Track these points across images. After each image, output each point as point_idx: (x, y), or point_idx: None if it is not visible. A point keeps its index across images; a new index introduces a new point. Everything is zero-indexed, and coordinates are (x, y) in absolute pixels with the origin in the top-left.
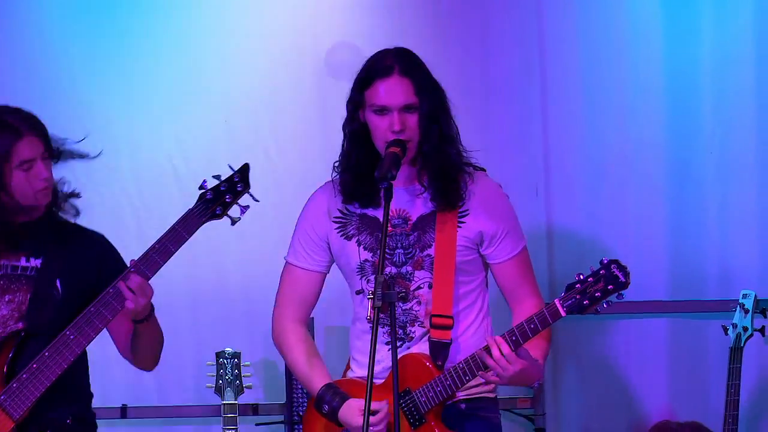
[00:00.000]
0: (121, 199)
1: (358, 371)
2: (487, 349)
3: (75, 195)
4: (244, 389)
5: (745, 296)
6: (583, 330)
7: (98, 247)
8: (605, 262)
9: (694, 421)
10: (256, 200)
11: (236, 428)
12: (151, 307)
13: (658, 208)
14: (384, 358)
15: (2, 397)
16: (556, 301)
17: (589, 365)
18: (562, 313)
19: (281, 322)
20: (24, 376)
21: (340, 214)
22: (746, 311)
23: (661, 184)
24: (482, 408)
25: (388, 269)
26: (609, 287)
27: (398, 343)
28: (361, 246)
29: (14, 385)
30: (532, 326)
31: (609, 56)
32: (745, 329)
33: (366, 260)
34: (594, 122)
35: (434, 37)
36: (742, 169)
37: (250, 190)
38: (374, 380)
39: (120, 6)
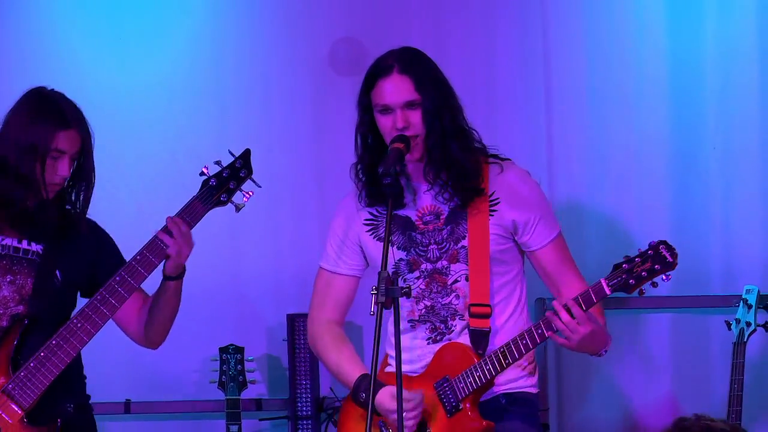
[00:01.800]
0: (123, 193)
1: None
2: (555, 313)
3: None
4: (248, 384)
5: (748, 291)
6: None
7: (93, 234)
8: (653, 243)
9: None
10: (259, 186)
11: (240, 423)
12: (184, 268)
13: (661, 202)
14: (425, 354)
15: (10, 386)
16: (602, 280)
17: (592, 360)
18: (607, 292)
19: (315, 325)
20: (32, 364)
21: (370, 217)
22: (749, 306)
23: (664, 179)
24: (523, 402)
25: (423, 266)
26: (656, 267)
27: (439, 338)
28: (394, 246)
29: (22, 374)
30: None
31: (613, 51)
32: (748, 324)
33: (401, 259)
34: (598, 116)
35: (437, 31)
36: (745, 163)
37: (252, 176)
38: (410, 374)
39: (120, 4)
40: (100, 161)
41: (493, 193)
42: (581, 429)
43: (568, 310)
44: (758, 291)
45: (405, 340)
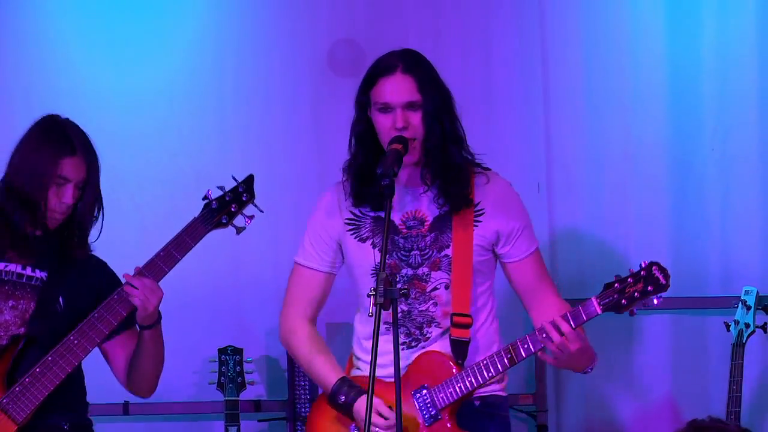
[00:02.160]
0: (124, 200)
1: (367, 371)
2: (543, 331)
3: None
4: (247, 386)
5: (747, 293)
6: (586, 326)
7: (101, 274)
8: (645, 264)
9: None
10: (261, 210)
11: (238, 425)
12: (159, 315)
13: (660, 205)
14: (403, 357)
15: (4, 401)
16: (593, 299)
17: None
18: (598, 311)
19: (289, 321)
20: (27, 380)
21: (352, 216)
22: (748, 308)
23: (663, 182)
24: (495, 405)
25: (404, 271)
26: (648, 288)
27: (414, 344)
28: (376, 248)
29: (17, 388)
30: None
31: (611, 55)
32: (747, 326)
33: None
34: (596, 120)
35: (436, 34)
36: (744, 166)
37: (255, 201)
38: (386, 379)
39: (118, 6)
40: (102, 168)
41: (479, 203)
42: (579, 430)
43: (557, 328)
44: (757, 292)
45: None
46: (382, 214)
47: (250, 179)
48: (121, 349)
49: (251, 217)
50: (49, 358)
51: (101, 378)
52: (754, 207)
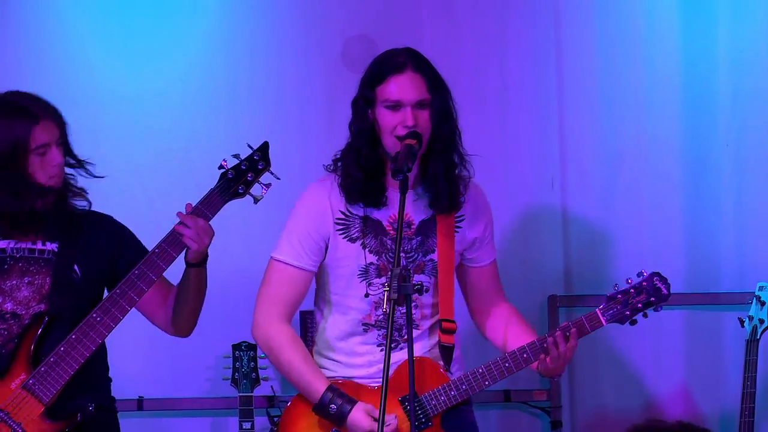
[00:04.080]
0: (138, 193)
1: (340, 371)
2: (543, 342)
3: (82, 194)
4: (261, 381)
5: (761, 288)
6: None
7: (110, 228)
8: (646, 274)
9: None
10: (278, 178)
11: (252, 420)
12: (206, 255)
13: (674, 201)
14: (377, 360)
15: (31, 381)
16: (597, 311)
17: (604, 357)
18: (603, 323)
19: (269, 321)
20: (52, 359)
21: (342, 216)
22: (762, 303)
23: (677, 178)
24: (465, 406)
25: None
26: (651, 299)
27: (393, 345)
28: (367, 249)
29: (42, 369)
30: (569, 333)
31: (625, 51)
32: (761, 321)
33: (371, 263)
34: (610, 116)
35: (450, 30)
36: (758, 161)
37: (271, 168)
38: (370, 382)
39: (133, 3)
40: (114, 161)
41: (458, 209)
42: (593, 426)
43: (566, 340)
44: None
45: (353, 343)
46: (372, 214)
47: (265, 146)
48: (160, 292)
49: (268, 185)
50: (73, 337)
51: (116, 373)
52: None
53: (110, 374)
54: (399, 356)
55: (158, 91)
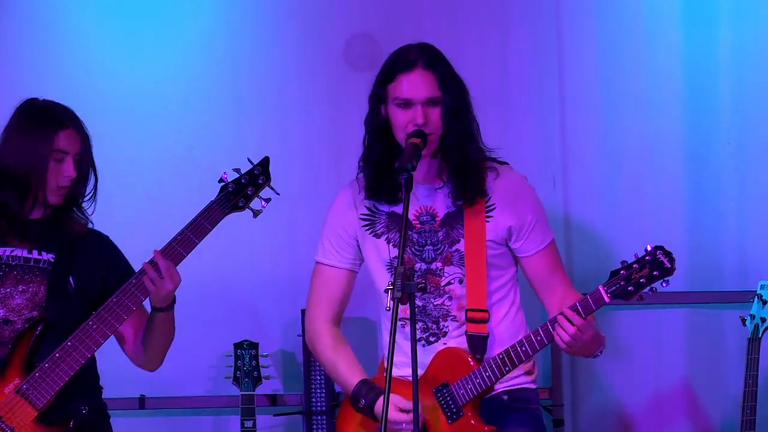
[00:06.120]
0: (140, 193)
1: (394, 370)
2: (554, 323)
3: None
4: (263, 380)
5: (763, 287)
6: (601, 320)
7: (105, 248)
8: (650, 248)
9: None
10: (278, 193)
11: (254, 419)
12: (173, 300)
13: (676, 198)
14: (419, 354)
15: (24, 386)
16: (600, 288)
17: (607, 356)
18: (606, 299)
19: (313, 323)
20: (46, 365)
21: (367, 212)
22: (764, 302)
23: (679, 175)
24: (525, 399)
25: (418, 265)
26: (654, 273)
27: (433, 339)
28: (391, 243)
29: (37, 374)
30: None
31: (627, 48)
32: (763, 320)
33: (396, 257)
34: (612, 115)
35: (452, 28)
36: (759, 160)
37: (271, 183)
38: (407, 377)
39: (135, 2)
40: (117, 160)
41: (489, 198)
42: (595, 424)
43: (570, 321)
44: None
45: (398, 340)
46: (396, 209)
47: (265, 161)
48: (130, 327)
49: (268, 200)
50: (69, 344)
51: (117, 372)
52: None
53: (112, 373)
54: (437, 348)
55: (160, 90)
